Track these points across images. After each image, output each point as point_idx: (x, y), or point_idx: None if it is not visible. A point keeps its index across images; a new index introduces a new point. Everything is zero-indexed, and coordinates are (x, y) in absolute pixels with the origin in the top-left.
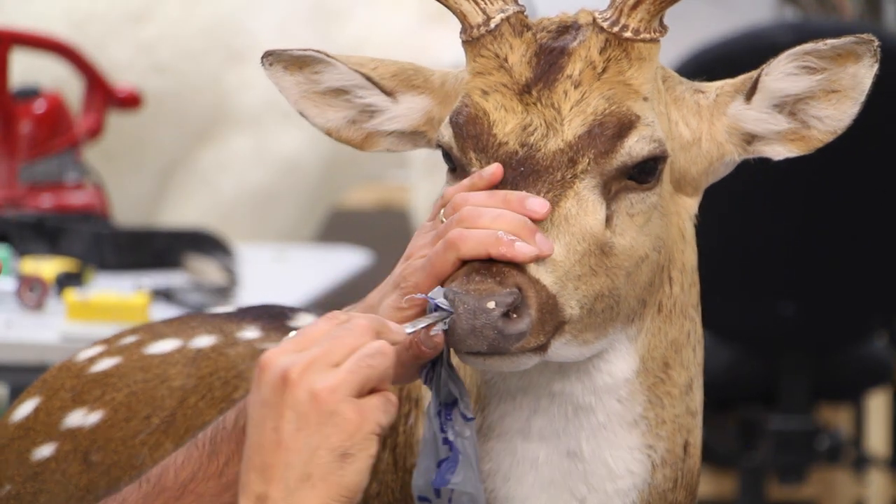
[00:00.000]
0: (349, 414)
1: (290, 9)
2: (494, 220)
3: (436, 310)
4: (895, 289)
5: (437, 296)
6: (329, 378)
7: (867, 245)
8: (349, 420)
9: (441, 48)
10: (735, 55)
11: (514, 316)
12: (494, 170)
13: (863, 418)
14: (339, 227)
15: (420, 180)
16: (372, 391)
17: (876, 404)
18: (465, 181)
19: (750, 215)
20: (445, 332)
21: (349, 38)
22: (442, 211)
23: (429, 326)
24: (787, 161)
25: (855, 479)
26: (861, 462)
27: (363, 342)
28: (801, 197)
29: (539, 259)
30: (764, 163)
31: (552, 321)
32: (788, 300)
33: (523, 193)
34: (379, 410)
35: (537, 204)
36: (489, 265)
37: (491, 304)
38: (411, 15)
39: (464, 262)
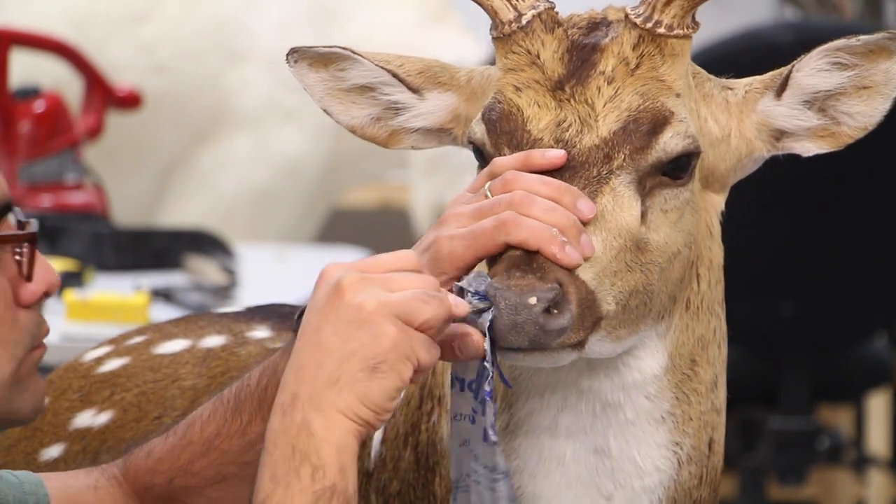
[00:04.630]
0: (389, 330)
1: (291, 9)
2: (547, 212)
3: (474, 296)
4: (895, 289)
5: (469, 284)
6: (380, 295)
7: (868, 245)
8: (388, 336)
9: (441, 48)
10: (735, 55)
11: (555, 312)
12: (561, 154)
13: (863, 418)
14: (339, 227)
15: (420, 180)
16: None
17: (876, 404)
18: (520, 155)
19: (750, 216)
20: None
21: (350, 38)
22: (488, 184)
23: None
24: (790, 160)
25: (855, 480)
26: (861, 462)
27: (424, 287)
28: (802, 197)
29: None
30: (765, 163)
31: (591, 317)
32: (789, 300)
33: (576, 190)
34: (421, 344)
35: (587, 207)
36: (529, 259)
37: (532, 300)
38: (411, 15)
39: (507, 247)
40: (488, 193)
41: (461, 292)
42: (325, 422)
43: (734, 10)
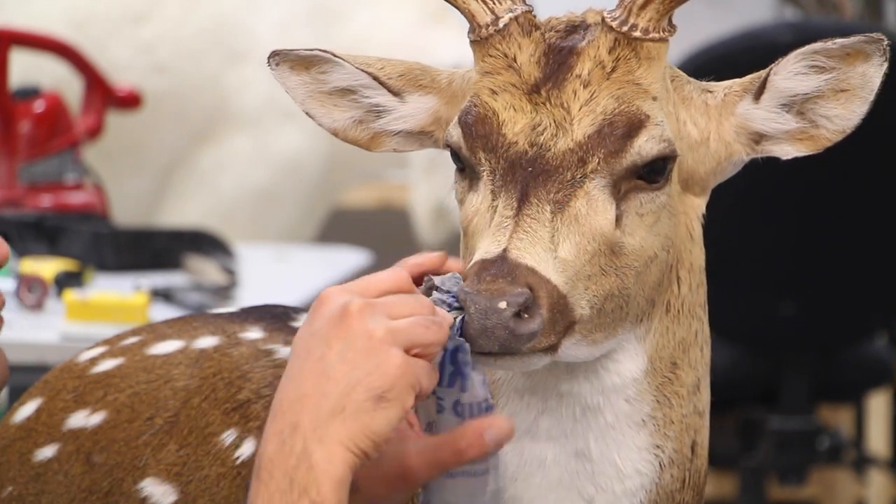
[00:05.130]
0: (396, 359)
1: (290, 9)
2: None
3: (447, 293)
4: (895, 289)
5: (442, 283)
6: (387, 323)
7: (868, 245)
8: (395, 365)
9: (441, 48)
10: (735, 55)
11: (526, 316)
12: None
13: (863, 418)
14: (339, 227)
15: (420, 180)
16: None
17: (876, 404)
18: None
19: (750, 215)
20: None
21: (349, 38)
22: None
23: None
24: (788, 160)
25: (855, 480)
26: (861, 462)
27: (423, 312)
28: (802, 196)
29: None
30: (765, 162)
31: (563, 321)
32: (789, 300)
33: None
34: (423, 371)
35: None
36: (500, 263)
37: (502, 304)
38: (411, 15)
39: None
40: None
41: (430, 290)
42: (326, 454)
43: (734, 10)
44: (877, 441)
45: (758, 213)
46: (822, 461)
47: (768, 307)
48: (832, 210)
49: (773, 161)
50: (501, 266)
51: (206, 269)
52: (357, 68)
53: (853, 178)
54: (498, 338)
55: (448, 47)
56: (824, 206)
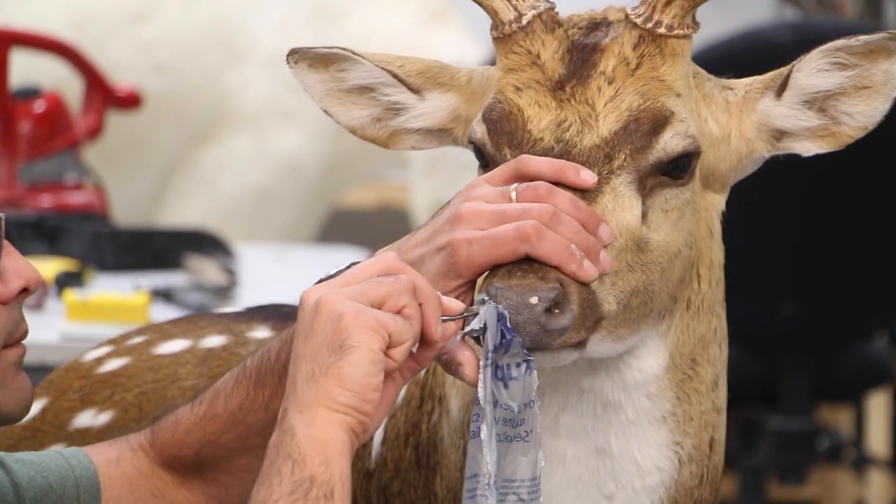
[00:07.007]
0: (346, 309)
1: (291, 9)
2: (573, 234)
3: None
4: (895, 289)
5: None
6: (333, 289)
7: (868, 245)
8: (346, 314)
9: (441, 48)
10: (735, 55)
11: (557, 311)
12: (593, 180)
13: (863, 418)
14: (339, 227)
15: (420, 180)
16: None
17: (876, 404)
18: (557, 165)
19: (750, 215)
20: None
21: (349, 38)
22: (515, 186)
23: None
24: (789, 160)
25: (855, 480)
26: (861, 462)
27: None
28: (802, 196)
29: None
30: (766, 162)
31: (592, 317)
32: (789, 300)
33: (600, 216)
34: (386, 317)
35: (607, 234)
36: (531, 260)
37: (534, 300)
38: (411, 15)
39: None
40: (513, 196)
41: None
42: (307, 419)
43: (734, 10)
44: (877, 441)
45: (758, 214)
46: (822, 461)
47: (768, 307)
48: (832, 210)
49: (774, 161)
50: (532, 262)
51: (206, 269)
52: (376, 66)
53: (854, 179)
54: (529, 333)
55: (448, 47)
56: (825, 206)
